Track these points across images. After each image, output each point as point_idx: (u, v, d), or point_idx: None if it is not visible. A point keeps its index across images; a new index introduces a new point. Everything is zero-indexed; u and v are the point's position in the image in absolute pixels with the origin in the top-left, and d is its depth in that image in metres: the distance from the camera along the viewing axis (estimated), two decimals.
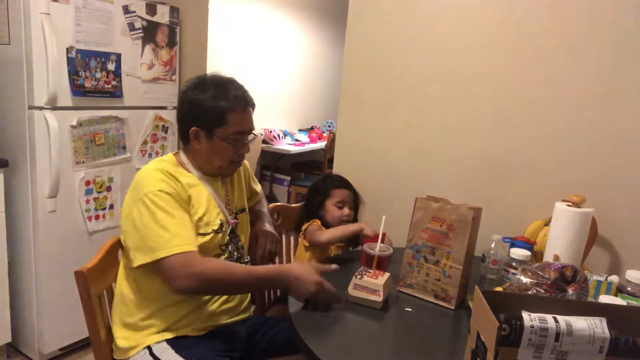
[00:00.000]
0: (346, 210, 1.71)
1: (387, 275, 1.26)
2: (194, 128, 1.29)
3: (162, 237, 1.16)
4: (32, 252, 2.03)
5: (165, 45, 2.43)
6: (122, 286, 1.29)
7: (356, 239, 1.76)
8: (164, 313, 1.25)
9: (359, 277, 1.25)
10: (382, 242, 1.53)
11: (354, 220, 1.77)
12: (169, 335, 1.24)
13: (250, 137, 1.36)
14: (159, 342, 1.23)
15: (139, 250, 1.18)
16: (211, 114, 1.27)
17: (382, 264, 1.41)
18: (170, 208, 1.19)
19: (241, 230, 1.45)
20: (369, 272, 1.27)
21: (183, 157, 1.35)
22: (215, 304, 1.32)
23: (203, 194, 1.30)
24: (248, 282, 1.21)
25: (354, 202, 1.78)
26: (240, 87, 1.33)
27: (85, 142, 2.11)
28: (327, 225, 1.72)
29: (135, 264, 1.18)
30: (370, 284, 1.23)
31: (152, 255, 1.15)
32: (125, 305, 1.27)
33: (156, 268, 1.17)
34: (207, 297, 1.30)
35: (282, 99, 4.23)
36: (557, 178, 1.66)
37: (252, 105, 1.35)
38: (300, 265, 1.23)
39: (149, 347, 1.22)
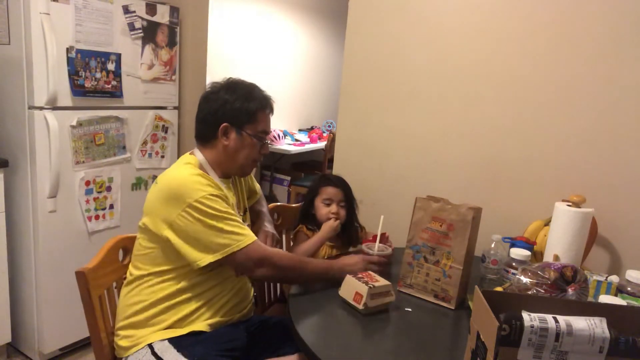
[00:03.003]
0: (333, 208, 1.70)
1: (383, 282, 1.23)
2: (224, 124, 1.33)
3: (232, 232, 1.23)
4: (32, 252, 2.03)
5: (165, 45, 2.43)
6: (129, 288, 1.30)
7: (351, 238, 1.76)
8: (168, 311, 1.27)
9: (352, 276, 1.24)
10: (382, 242, 1.52)
11: (349, 220, 1.75)
12: (170, 334, 1.25)
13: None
14: (160, 340, 1.23)
15: (207, 250, 1.22)
16: (243, 111, 1.34)
17: (381, 264, 1.41)
18: (224, 208, 1.25)
19: None
20: (370, 276, 1.26)
21: (200, 157, 1.36)
22: (218, 302, 1.33)
23: (229, 198, 1.33)
24: (314, 273, 1.35)
25: (347, 201, 1.75)
26: (265, 92, 1.42)
27: (85, 142, 2.11)
28: (318, 223, 1.72)
29: (203, 263, 1.22)
30: (357, 287, 1.21)
31: (227, 249, 1.22)
32: (130, 306, 1.28)
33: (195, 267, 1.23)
34: (211, 296, 1.31)
35: (282, 99, 4.23)
36: (557, 178, 1.66)
37: (273, 111, 1.44)
38: (346, 258, 1.41)
39: (150, 346, 1.23)
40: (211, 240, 1.21)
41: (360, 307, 1.18)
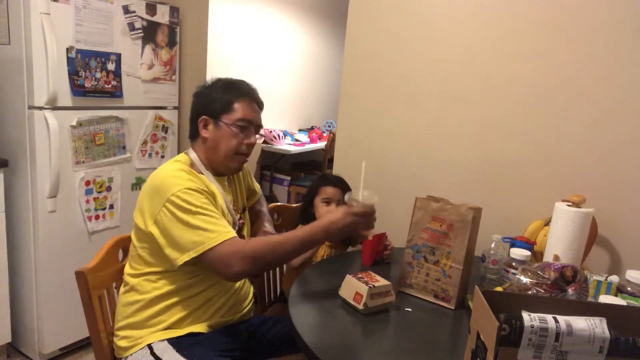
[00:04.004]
0: (332, 207, 1.70)
1: (383, 282, 1.23)
2: (202, 117, 1.34)
3: (205, 229, 1.18)
4: (32, 252, 2.03)
5: (165, 45, 2.43)
6: (126, 289, 1.30)
7: (350, 238, 1.75)
8: (166, 312, 1.26)
9: (352, 276, 1.24)
10: (383, 240, 1.52)
11: None
12: (170, 334, 1.25)
13: (258, 136, 1.41)
14: (159, 341, 1.23)
15: (182, 248, 1.18)
16: (219, 102, 1.34)
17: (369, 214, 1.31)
18: (202, 203, 1.21)
19: (245, 229, 1.47)
20: (369, 276, 1.26)
21: (193, 155, 1.37)
22: (217, 303, 1.33)
23: (217, 194, 1.32)
24: (294, 248, 1.23)
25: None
26: (250, 85, 1.41)
27: (85, 142, 2.11)
28: None
29: (180, 262, 1.19)
30: (357, 287, 1.21)
31: (199, 248, 1.17)
32: (128, 306, 1.28)
33: (187, 264, 1.20)
34: (210, 296, 1.31)
35: (282, 99, 4.23)
36: (557, 178, 1.66)
37: (259, 103, 1.42)
38: (327, 215, 1.29)
39: (149, 346, 1.23)
40: (185, 238, 1.18)
41: (360, 307, 1.18)
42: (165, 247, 1.20)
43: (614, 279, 1.26)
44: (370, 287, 1.18)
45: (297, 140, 4.04)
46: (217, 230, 1.19)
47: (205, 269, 1.27)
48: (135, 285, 1.28)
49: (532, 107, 1.68)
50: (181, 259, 1.18)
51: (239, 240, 1.21)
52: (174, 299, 1.26)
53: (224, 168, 1.40)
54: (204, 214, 1.19)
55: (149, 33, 2.32)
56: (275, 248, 1.22)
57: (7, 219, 2.03)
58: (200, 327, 1.28)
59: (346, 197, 1.33)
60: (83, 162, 2.12)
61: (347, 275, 1.26)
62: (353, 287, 1.22)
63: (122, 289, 1.33)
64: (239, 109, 1.35)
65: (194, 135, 1.38)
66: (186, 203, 1.19)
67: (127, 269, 1.32)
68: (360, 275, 1.25)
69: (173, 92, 2.53)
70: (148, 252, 1.26)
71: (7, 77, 1.99)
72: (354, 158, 2.10)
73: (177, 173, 1.25)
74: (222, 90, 1.36)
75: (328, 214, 1.29)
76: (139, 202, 1.27)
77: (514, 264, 1.33)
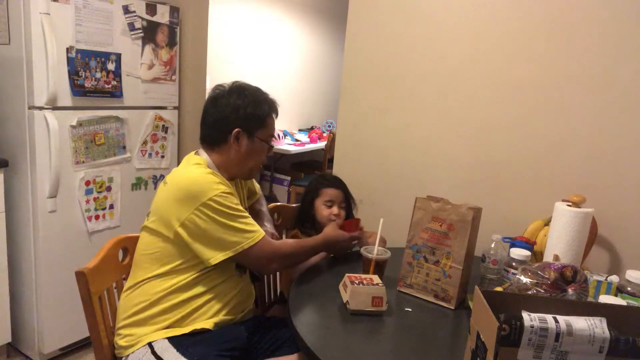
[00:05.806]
0: (335, 209, 1.70)
1: (377, 288, 1.22)
2: (237, 129, 1.35)
3: (243, 229, 1.27)
4: (32, 252, 2.03)
5: (165, 45, 2.43)
6: (132, 289, 1.30)
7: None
8: (171, 311, 1.27)
9: (357, 283, 1.22)
10: (357, 226, 1.58)
11: (347, 218, 1.76)
12: (172, 333, 1.25)
13: None
14: (160, 339, 1.23)
15: (218, 248, 1.25)
16: (255, 117, 1.37)
17: (380, 268, 1.40)
18: (235, 205, 1.28)
19: None
20: (363, 279, 1.24)
21: (206, 157, 1.37)
22: (222, 301, 1.33)
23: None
24: (309, 253, 1.46)
25: (346, 202, 1.76)
26: (269, 95, 1.45)
27: (85, 142, 2.11)
28: (317, 224, 1.72)
29: (215, 261, 1.25)
30: (347, 286, 1.22)
31: (238, 247, 1.26)
32: (133, 306, 1.28)
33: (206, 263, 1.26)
34: (215, 294, 1.31)
35: (282, 99, 4.21)
36: (557, 178, 1.66)
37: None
38: (331, 230, 1.52)
39: (150, 344, 1.23)
40: (223, 238, 1.24)
41: (346, 304, 1.19)
42: (198, 247, 1.25)
43: (614, 279, 1.26)
44: (355, 286, 1.18)
45: (297, 140, 4.04)
46: (253, 230, 1.29)
47: (220, 266, 1.29)
48: (142, 285, 1.28)
49: (532, 107, 1.68)
50: (217, 258, 1.25)
51: (270, 240, 1.34)
52: (180, 297, 1.27)
53: (241, 176, 1.45)
54: (239, 216, 1.27)
55: (149, 33, 2.32)
56: (299, 250, 1.42)
57: (7, 219, 2.03)
58: (203, 324, 1.29)
59: (362, 250, 1.43)
60: (83, 162, 2.12)
61: (346, 275, 1.26)
62: (346, 286, 1.23)
63: (127, 290, 1.32)
64: (269, 125, 1.41)
65: (217, 142, 1.37)
66: (224, 207, 1.24)
67: (135, 269, 1.32)
68: (357, 277, 1.24)
69: (173, 92, 2.53)
70: (165, 253, 1.27)
71: (7, 77, 1.99)
72: (354, 158, 2.10)
73: (209, 177, 1.28)
74: (254, 104, 1.36)
75: (334, 234, 1.51)
76: (160, 204, 1.28)
77: (514, 264, 1.33)
